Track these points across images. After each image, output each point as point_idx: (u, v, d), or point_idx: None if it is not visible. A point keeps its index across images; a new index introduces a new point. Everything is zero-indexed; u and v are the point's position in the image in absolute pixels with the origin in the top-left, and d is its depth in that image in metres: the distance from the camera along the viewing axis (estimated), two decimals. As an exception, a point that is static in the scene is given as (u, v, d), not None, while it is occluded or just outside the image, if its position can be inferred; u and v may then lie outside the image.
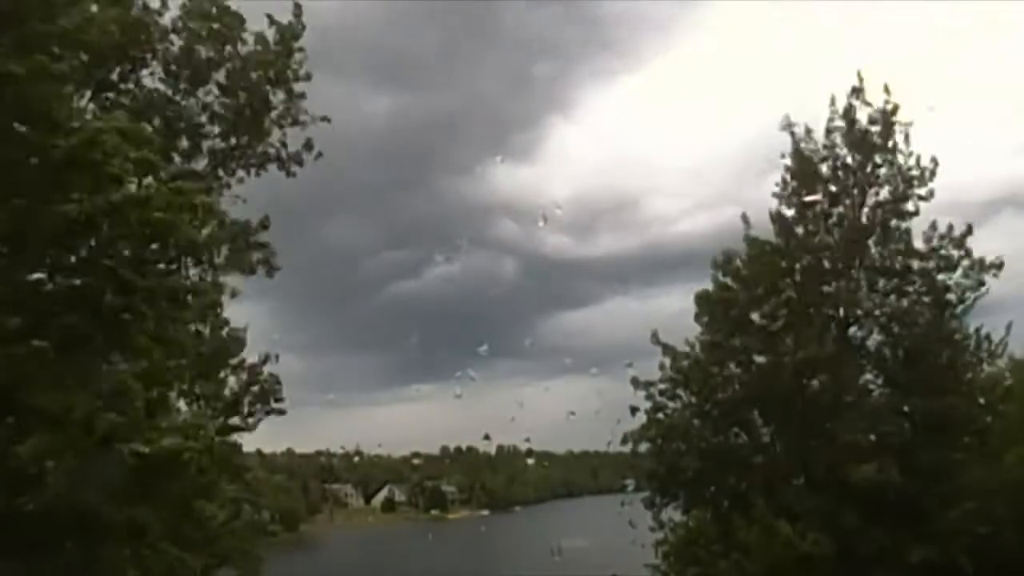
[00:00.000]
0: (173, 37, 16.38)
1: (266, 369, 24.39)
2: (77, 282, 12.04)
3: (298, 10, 17.22)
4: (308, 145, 18.09)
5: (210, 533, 20.93)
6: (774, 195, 24.19)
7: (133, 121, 12.36)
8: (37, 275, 12.31)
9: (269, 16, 17.00)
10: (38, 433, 11.02)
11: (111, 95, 15.30)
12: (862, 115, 23.42)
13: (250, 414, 24.04)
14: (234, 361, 23.23)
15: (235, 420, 23.53)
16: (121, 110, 13.40)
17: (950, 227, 23.20)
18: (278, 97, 17.35)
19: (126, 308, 11.58)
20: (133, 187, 12.44)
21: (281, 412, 24.52)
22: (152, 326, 11.79)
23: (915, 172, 23.17)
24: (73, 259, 12.60)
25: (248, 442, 25.84)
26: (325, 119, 17.92)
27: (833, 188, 23.71)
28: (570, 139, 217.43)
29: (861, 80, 23.49)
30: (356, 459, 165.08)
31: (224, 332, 21.34)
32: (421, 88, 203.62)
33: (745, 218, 24.37)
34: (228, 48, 16.62)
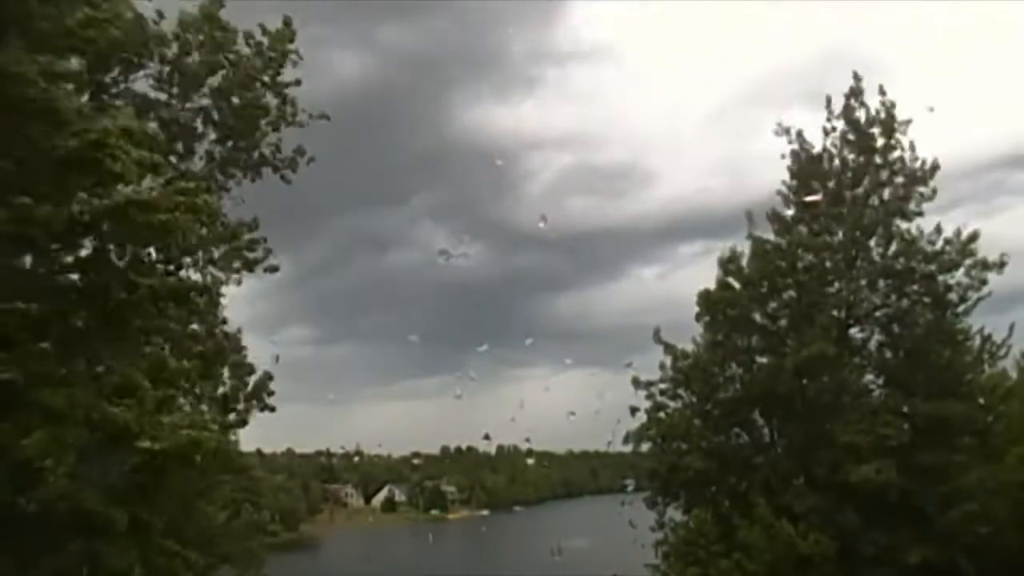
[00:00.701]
0: (169, 43, 16.42)
1: (260, 368, 24.48)
2: (82, 280, 12.06)
3: (288, 19, 17.32)
4: (300, 150, 18.09)
5: (210, 533, 20.99)
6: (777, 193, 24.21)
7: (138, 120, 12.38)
8: (42, 272, 12.33)
9: (262, 26, 17.09)
10: (41, 430, 11.03)
11: (105, 97, 15.29)
12: (861, 115, 23.42)
13: (246, 410, 24.08)
14: (232, 360, 23.28)
15: (229, 418, 23.63)
16: (120, 111, 13.39)
17: (958, 231, 23.07)
18: (272, 101, 17.40)
19: (131, 306, 11.60)
20: (134, 187, 12.48)
21: (271, 409, 24.52)
22: (157, 325, 11.82)
23: (919, 173, 23.12)
24: (73, 258, 12.64)
25: (248, 442, 25.91)
26: (324, 116, 17.91)
27: (834, 187, 23.69)
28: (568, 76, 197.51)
29: (859, 81, 23.51)
30: (356, 459, 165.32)
31: (221, 331, 21.34)
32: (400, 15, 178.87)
33: (749, 216, 24.39)
34: (221, 56, 16.69)
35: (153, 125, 15.39)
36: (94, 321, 11.93)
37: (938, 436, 22.24)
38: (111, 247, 12.19)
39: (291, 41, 17.19)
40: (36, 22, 11.29)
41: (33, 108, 11.14)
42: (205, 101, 17.11)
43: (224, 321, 21.31)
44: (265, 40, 17.05)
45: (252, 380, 22.97)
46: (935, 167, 23.13)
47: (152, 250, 13.17)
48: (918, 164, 23.14)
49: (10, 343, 11.16)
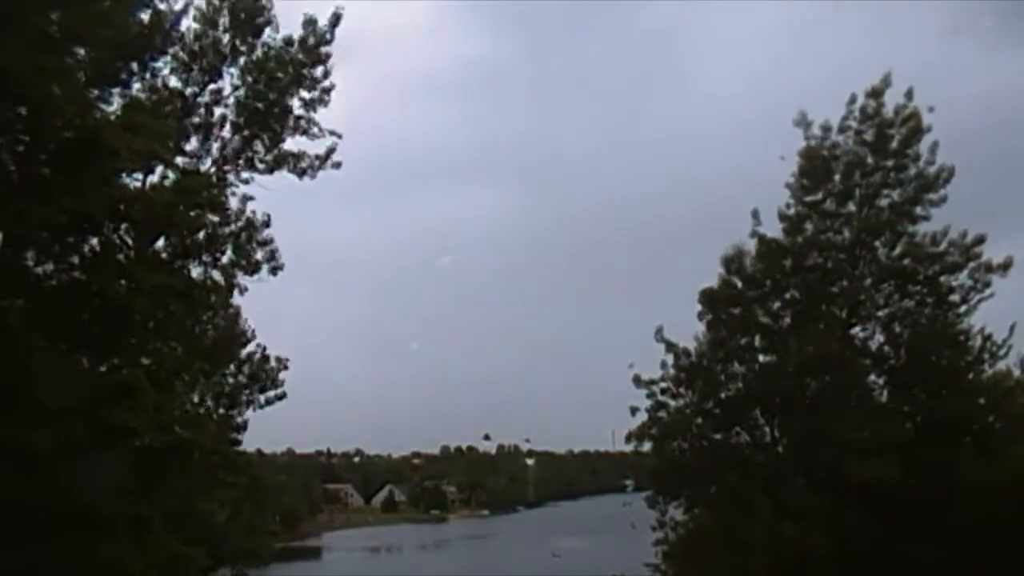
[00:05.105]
0: (190, 26, 16.05)
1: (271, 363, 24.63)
2: (84, 276, 12.05)
3: (335, 19, 16.79)
4: (327, 155, 17.60)
5: (212, 531, 21.02)
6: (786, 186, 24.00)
7: (146, 113, 12.29)
8: (43, 269, 12.32)
9: (307, 15, 16.59)
10: (43, 427, 11.03)
11: (116, 90, 15.14)
12: (883, 114, 23.18)
13: (249, 403, 24.21)
14: (241, 355, 23.43)
15: (234, 412, 23.75)
16: (132, 104, 13.27)
17: (964, 233, 22.95)
18: (295, 103, 16.88)
19: (133, 304, 11.60)
20: (138, 183, 12.47)
21: (282, 397, 24.60)
22: (159, 323, 11.82)
23: (932, 179, 22.95)
24: (75, 255, 12.63)
25: (248, 442, 26.10)
26: (335, 133, 17.43)
27: (842, 186, 23.59)
28: None
29: (885, 81, 23.19)
30: (356, 459, 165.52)
31: (228, 325, 21.43)
32: None
33: (755, 214, 24.31)
34: (248, 38, 16.25)
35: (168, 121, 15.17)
36: (96, 319, 11.92)
37: (940, 435, 22.25)
38: (116, 242, 12.18)
39: (326, 43, 16.64)
40: (35, 17, 11.24)
41: (32, 104, 11.12)
42: (227, 88, 16.66)
43: (237, 314, 21.30)
44: (298, 34, 16.55)
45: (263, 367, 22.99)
46: (950, 174, 23.07)
47: (159, 247, 13.14)
48: (933, 169, 23.03)
49: (11, 341, 11.17)
